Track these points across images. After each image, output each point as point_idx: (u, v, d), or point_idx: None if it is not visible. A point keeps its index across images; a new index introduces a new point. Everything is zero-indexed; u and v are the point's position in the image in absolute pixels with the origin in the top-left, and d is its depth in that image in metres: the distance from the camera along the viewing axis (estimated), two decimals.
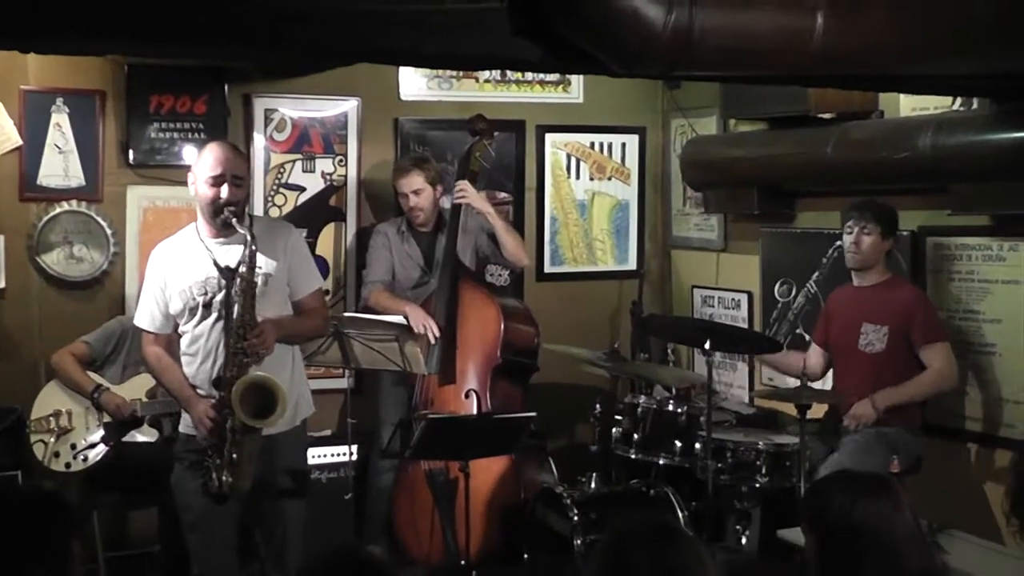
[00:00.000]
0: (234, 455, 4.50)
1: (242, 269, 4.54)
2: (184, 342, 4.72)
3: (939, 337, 5.36)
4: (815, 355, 5.81)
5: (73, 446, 5.66)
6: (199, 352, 4.67)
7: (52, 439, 5.64)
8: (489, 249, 6.33)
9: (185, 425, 4.75)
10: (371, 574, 2.28)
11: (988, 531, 4.87)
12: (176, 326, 4.73)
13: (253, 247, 4.53)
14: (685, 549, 2.54)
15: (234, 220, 4.55)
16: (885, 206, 5.48)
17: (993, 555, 4.34)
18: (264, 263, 4.63)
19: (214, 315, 4.62)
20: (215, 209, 4.58)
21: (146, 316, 4.76)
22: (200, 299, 4.63)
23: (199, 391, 4.66)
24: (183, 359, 4.72)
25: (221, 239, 4.66)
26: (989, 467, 5.52)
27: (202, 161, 4.64)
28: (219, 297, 4.60)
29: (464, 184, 6.20)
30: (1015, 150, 4.90)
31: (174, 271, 4.67)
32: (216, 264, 4.60)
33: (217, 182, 4.57)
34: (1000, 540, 4.69)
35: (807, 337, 6.34)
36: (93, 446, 5.66)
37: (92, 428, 5.69)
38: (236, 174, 4.61)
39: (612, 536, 2.63)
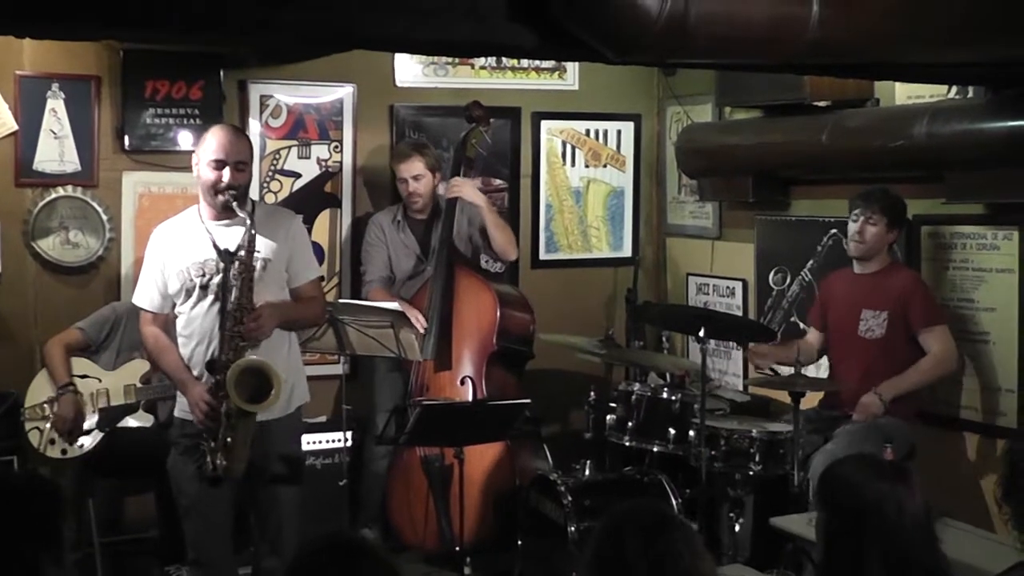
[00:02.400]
0: (228, 439, 4.50)
1: (241, 253, 4.56)
2: (180, 323, 4.73)
3: (937, 320, 5.37)
4: (813, 338, 5.83)
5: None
6: (194, 334, 4.69)
7: (47, 426, 5.63)
8: (480, 241, 6.34)
9: (180, 409, 4.75)
10: (364, 558, 2.28)
11: (981, 519, 4.88)
12: (174, 306, 4.75)
13: (252, 231, 4.55)
14: (680, 537, 2.56)
15: (234, 203, 4.57)
16: (894, 197, 5.47)
17: (986, 543, 4.35)
18: (263, 248, 4.65)
19: (210, 297, 4.64)
20: (215, 192, 4.60)
21: (145, 296, 4.77)
22: (197, 280, 4.64)
23: (193, 373, 4.68)
24: (179, 340, 4.73)
25: (222, 222, 4.68)
26: (982, 455, 5.53)
27: (205, 144, 4.66)
28: (216, 279, 4.61)
29: (458, 180, 6.21)
30: (1010, 138, 4.91)
31: (173, 252, 4.69)
32: (215, 246, 4.62)
33: (219, 166, 4.60)
34: (993, 528, 4.71)
35: (802, 325, 6.36)
36: (88, 432, 5.66)
37: (87, 415, 5.69)
38: (239, 159, 4.64)
39: (608, 523, 2.64)
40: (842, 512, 2.89)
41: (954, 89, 5.46)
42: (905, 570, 2.78)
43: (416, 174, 6.24)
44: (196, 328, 4.68)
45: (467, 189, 6.22)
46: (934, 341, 5.34)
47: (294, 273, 4.83)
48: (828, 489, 3.01)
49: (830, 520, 2.93)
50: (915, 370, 5.35)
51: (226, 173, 4.59)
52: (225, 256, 4.58)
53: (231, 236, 4.63)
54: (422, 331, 5.89)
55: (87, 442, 5.65)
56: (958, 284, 5.61)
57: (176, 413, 4.80)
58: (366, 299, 6.23)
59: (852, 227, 5.50)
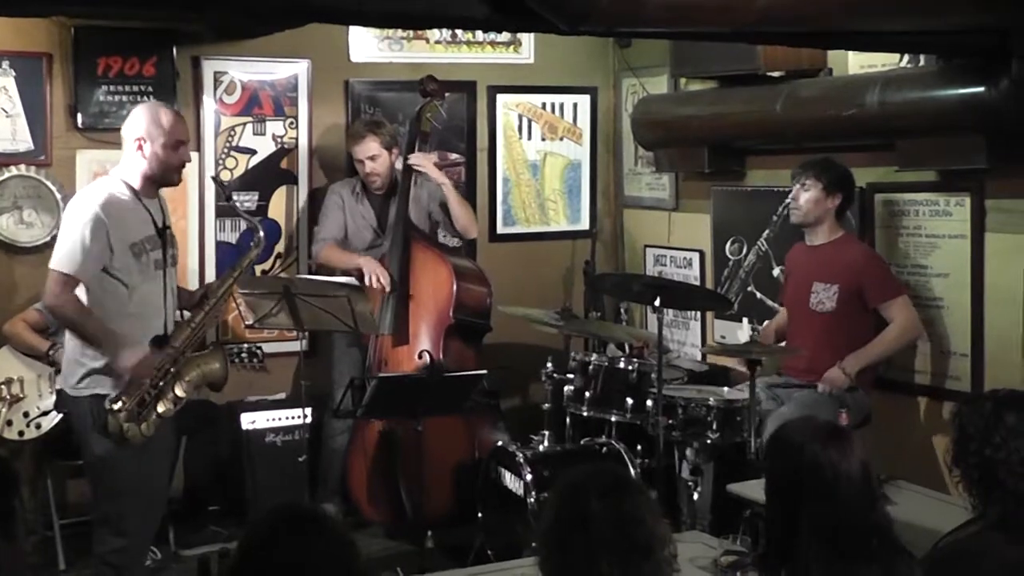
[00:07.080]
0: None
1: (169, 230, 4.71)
2: (131, 300, 4.55)
3: (896, 292, 5.41)
4: (782, 318, 5.87)
5: (26, 414, 5.65)
6: (146, 311, 4.60)
7: (4, 407, 5.60)
8: (440, 217, 6.34)
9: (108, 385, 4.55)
10: (316, 529, 2.28)
11: (934, 481, 4.94)
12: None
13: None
14: (642, 501, 2.59)
15: None
16: (829, 162, 5.50)
17: (938, 504, 4.40)
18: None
19: (159, 272, 4.63)
20: (179, 171, 4.68)
21: (72, 261, 4.44)
22: (152, 255, 4.59)
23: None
24: (128, 318, 4.54)
25: (151, 198, 4.68)
26: (935, 419, 5.60)
27: (165, 125, 4.58)
28: (164, 255, 4.65)
29: (419, 156, 6.22)
30: (960, 106, 4.95)
31: (121, 225, 4.52)
32: (154, 223, 4.64)
33: (181, 146, 4.64)
34: (946, 490, 4.77)
35: (758, 295, 6.40)
36: (46, 413, 5.64)
37: (45, 395, 5.68)
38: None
39: (569, 484, 2.64)
40: (779, 472, 2.95)
41: (906, 58, 5.51)
42: (837, 530, 2.82)
43: (372, 154, 6.23)
44: (150, 304, 4.61)
45: (430, 167, 6.23)
46: (896, 312, 5.38)
47: None
48: (769, 451, 3.09)
49: (770, 480, 2.99)
50: (880, 341, 5.39)
51: (186, 153, 4.68)
52: (162, 232, 4.65)
53: (158, 212, 4.69)
54: (387, 289, 5.94)
55: (44, 423, 5.63)
56: (911, 251, 5.65)
57: (101, 390, 4.53)
58: (319, 255, 6.31)
59: (790, 196, 5.55)
